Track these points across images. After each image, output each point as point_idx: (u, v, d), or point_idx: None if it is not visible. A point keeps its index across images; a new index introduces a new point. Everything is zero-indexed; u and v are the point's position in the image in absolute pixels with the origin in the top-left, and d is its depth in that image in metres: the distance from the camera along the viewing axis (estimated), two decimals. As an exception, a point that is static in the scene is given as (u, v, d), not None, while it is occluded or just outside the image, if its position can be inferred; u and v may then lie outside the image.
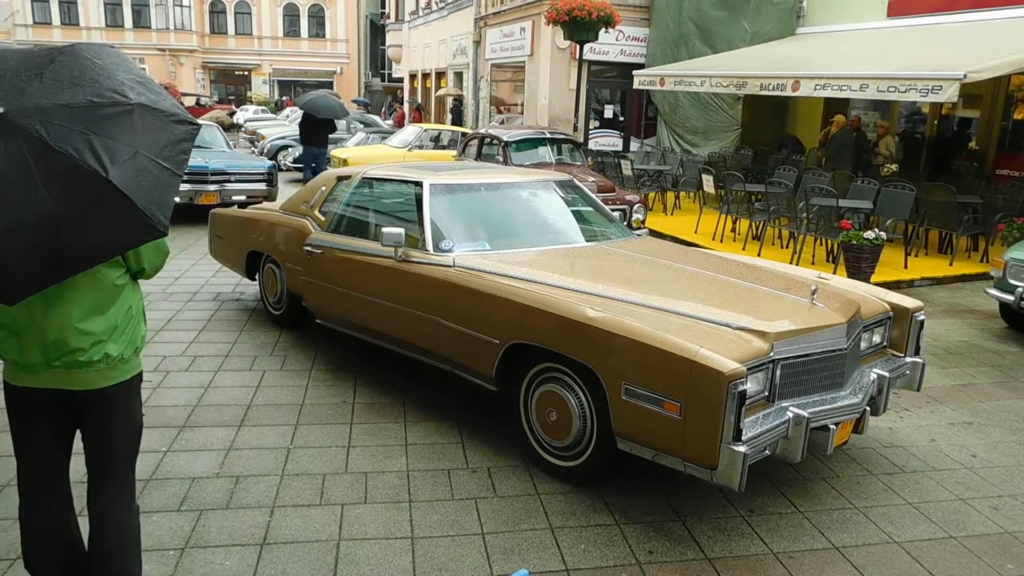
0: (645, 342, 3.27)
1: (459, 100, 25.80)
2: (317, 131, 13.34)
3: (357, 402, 4.75)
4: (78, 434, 2.52)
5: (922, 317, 4.34)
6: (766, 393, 3.38)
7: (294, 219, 5.78)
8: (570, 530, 3.41)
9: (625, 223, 8.29)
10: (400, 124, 25.92)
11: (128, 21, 45.98)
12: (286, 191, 11.82)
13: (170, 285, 7.48)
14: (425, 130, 15.32)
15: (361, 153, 14.40)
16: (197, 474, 3.77)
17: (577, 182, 5.71)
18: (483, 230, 4.82)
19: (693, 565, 3.20)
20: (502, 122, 20.13)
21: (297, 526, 3.36)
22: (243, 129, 26.73)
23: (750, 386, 3.15)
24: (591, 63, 16.80)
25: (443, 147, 14.68)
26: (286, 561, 3.10)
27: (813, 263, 9.11)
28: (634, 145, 18.37)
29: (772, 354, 3.34)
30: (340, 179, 5.68)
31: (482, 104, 23.43)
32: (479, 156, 10.99)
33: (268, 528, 3.33)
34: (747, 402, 3.11)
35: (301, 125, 13.78)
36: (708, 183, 11.83)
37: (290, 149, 17.60)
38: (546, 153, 10.60)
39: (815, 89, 10.30)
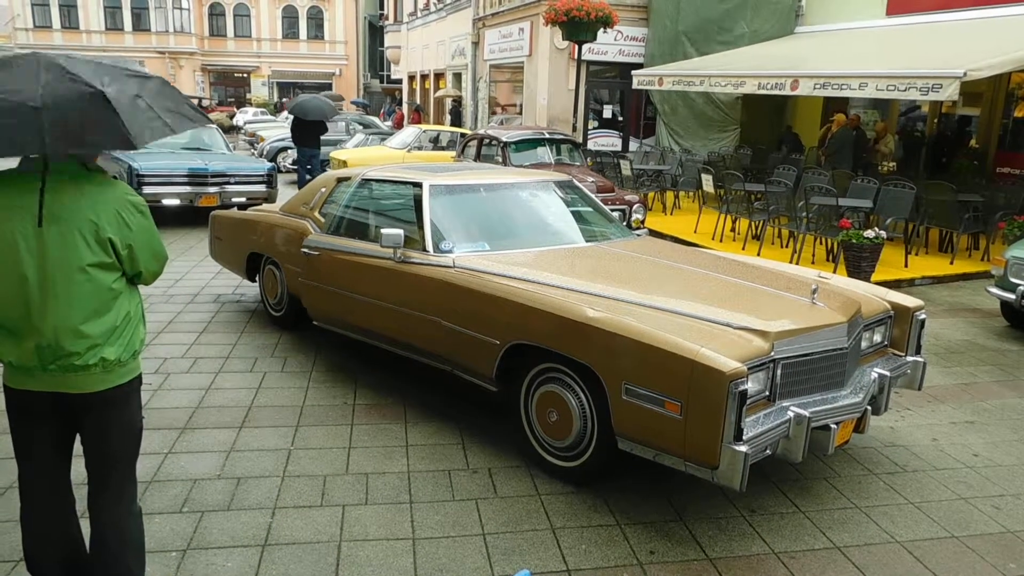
0: (646, 342, 3.26)
1: (458, 101, 25.82)
2: (308, 133, 13.60)
3: (358, 403, 4.75)
4: (79, 436, 2.52)
5: (923, 316, 4.33)
6: (767, 393, 3.38)
7: (294, 220, 5.78)
8: (571, 530, 3.40)
9: (625, 223, 8.29)
10: (399, 125, 25.95)
11: (128, 24, 46.02)
12: (285, 193, 11.85)
13: (171, 287, 7.49)
14: (424, 131, 15.31)
15: (360, 154, 14.40)
16: (198, 476, 3.77)
17: (576, 182, 5.71)
18: (483, 231, 4.82)
19: (694, 565, 3.20)
20: (501, 122, 20.14)
21: (298, 527, 3.36)
22: (242, 131, 26.73)
23: (751, 386, 3.15)
24: (589, 63, 16.82)
25: (442, 148, 14.69)
26: (287, 562, 3.11)
27: (813, 262, 9.11)
28: (633, 145, 18.38)
29: (773, 354, 3.34)
30: (340, 180, 5.68)
31: (481, 105, 23.43)
32: (478, 157, 10.99)
33: (269, 529, 3.33)
34: (748, 402, 3.11)
35: (292, 128, 13.91)
36: (707, 183, 11.82)
37: (289, 151, 17.63)
38: (545, 153, 10.59)
39: (814, 88, 10.30)
